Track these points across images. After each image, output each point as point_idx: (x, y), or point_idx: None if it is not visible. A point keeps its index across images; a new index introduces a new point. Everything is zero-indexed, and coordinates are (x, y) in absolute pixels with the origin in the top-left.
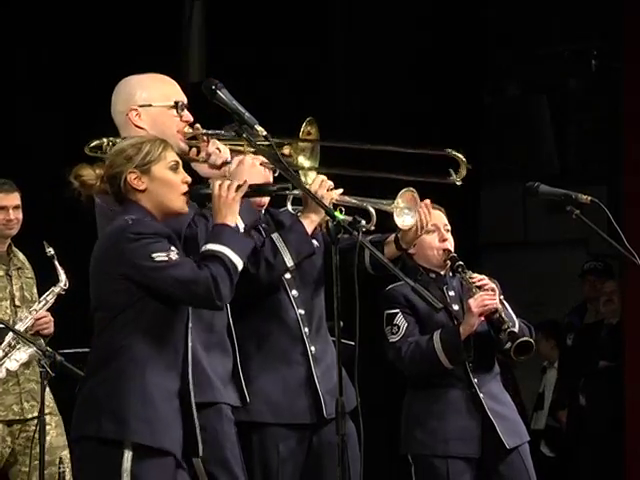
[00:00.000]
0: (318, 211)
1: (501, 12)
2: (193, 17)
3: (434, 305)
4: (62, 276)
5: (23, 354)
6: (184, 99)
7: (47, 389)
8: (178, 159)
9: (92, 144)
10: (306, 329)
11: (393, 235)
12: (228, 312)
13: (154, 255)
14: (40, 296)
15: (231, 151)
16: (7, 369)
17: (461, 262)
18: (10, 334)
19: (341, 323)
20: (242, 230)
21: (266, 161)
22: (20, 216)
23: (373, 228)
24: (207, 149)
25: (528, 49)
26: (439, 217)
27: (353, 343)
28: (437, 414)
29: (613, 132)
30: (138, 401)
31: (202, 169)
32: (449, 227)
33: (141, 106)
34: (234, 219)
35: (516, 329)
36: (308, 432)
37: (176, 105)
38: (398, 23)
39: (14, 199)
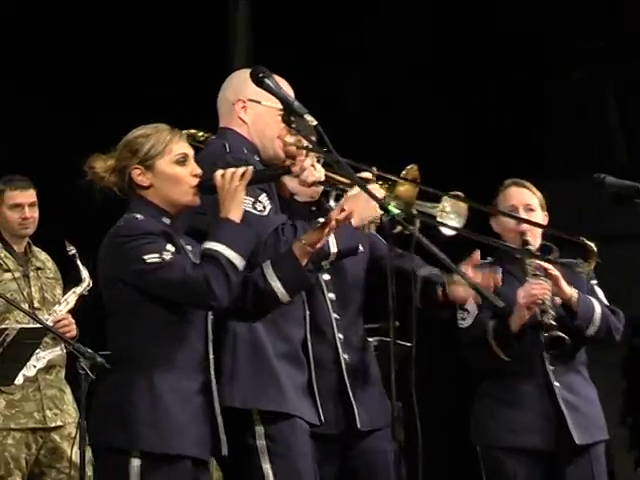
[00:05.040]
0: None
1: None
2: (238, 16)
3: (496, 304)
4: (84, 275)
5: (41, 360)
6: None
7: (71, 397)
8: (187, 151)
9: (184, 132)
10: (340, 335)
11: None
12: (307, 326)
13: (145, 257)
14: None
15: (327, 178)
16: (24, 375)
17: (530, 247)
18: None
19: (397, 323)
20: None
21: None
22: (36, 214)
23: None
24: (303, 163)
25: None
26: (520, 195)
27: (410, 344)
28: (507, 403)
29: None
30: (147, 406)
31: (290, 182)
32: (533, 206)
33: (250, 100)
34: (238, 211)
35: (552, 320)
36: (337, 444)
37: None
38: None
39: (30, 196)
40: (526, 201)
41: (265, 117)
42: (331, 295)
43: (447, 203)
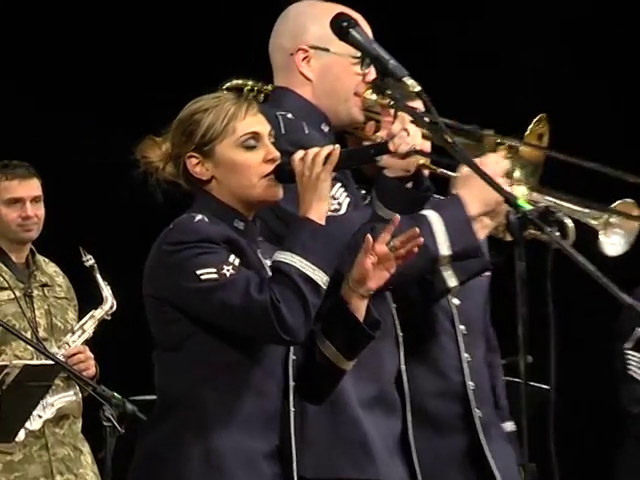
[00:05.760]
0: (495, 213)
1: None
2: None
3: None
4: (106, 294)
5: (49, 408)
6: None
7: (89, 457)
8: (258, 128)
9: (227, 84)
10: (471, 382)
11: None
12: (400, 351)
13: (200, 272)
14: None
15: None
16: (27, 429)
17: None
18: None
19: (529, 358)
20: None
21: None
22: (41, 212)
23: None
24: (391, 127)
25: None
26: None
27: (548, 387)
28: None
29: None
30: (203, 467)
31: None
32: None
33: (314, 48)
34: (321, 207)
35: None
36: None
37: (363, 59)
38: None
39: (32, 188)
40: None
41: (337, 70)
42: (462, 327)
43: (614, 214)
